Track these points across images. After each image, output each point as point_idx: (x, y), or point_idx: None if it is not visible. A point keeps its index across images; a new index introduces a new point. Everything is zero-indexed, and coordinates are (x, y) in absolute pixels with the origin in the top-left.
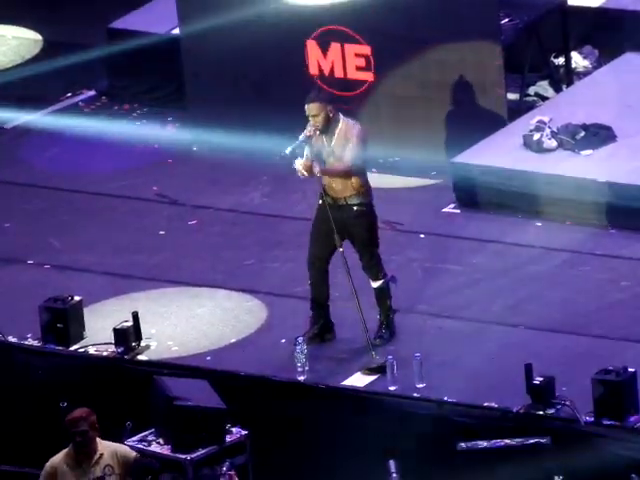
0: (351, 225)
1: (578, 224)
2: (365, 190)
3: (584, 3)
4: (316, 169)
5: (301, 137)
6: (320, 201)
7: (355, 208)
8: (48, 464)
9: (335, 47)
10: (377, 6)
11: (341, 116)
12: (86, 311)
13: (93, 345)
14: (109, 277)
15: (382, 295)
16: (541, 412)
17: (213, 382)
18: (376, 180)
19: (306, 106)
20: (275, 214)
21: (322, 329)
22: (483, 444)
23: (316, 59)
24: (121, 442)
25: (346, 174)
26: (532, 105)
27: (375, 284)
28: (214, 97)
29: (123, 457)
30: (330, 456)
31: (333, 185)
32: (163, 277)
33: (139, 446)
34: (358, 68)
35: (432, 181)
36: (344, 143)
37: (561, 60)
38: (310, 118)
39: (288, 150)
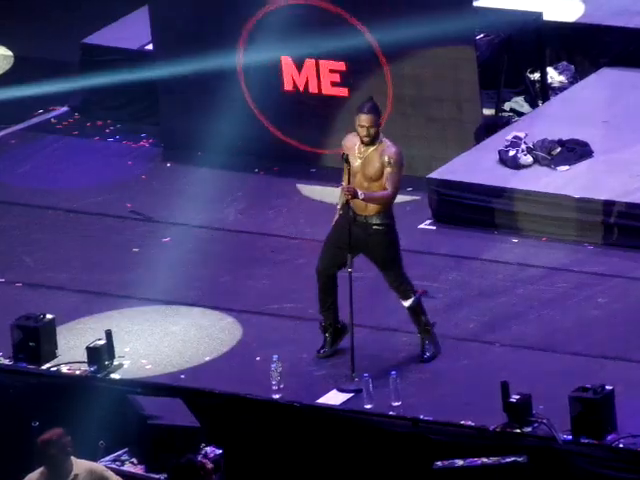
0: (371, 244)
1: (554, 240)
2: (386, 210)
3: (560, 18)
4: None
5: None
6: (340, 212)
7: (374, 227)
8: None
9: (310, 63)
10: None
11: (381, 134)
12: (59, 329)
13: (66, 364)
14: (82, 295)
15: (415, 312)
16: (518, 430)
17: (187, 400)
18: None
19: (361, 115)
20: (250, 231)
21: (333, 336)
22: (459, 463)
23: (290, 75)
24: (95, 461)
25: (386, 201)
26: (508, 121)
27: (406, 303)
28: (187, 112)
29: (100, 476)
30: (305, 475)
31: (356, 201)
32: (137, 295)
33: (112, 466)
34: (333, 84)
35: (408, 197)
36: (376, 162)
37: (537, 75)
38: (359, 128)
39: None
